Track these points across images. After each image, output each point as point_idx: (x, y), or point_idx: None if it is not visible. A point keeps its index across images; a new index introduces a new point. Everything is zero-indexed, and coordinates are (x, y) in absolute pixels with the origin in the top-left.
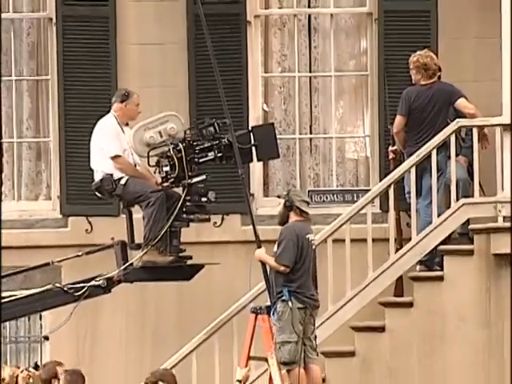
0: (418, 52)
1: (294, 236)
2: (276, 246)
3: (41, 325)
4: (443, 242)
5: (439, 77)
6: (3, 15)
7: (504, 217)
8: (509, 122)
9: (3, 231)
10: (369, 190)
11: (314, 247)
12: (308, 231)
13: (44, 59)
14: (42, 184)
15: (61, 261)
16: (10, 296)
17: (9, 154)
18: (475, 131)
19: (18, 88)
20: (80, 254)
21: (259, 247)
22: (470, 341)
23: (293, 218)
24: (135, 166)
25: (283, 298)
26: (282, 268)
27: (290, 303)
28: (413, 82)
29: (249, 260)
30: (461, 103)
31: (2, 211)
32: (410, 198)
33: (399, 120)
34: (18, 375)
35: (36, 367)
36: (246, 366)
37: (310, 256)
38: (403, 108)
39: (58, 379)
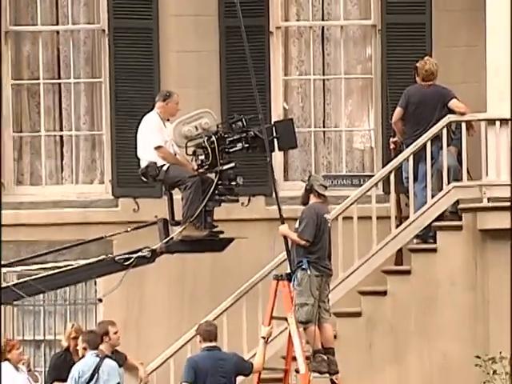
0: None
1: (314, 215)
2: (298, 223)
3: (95, 289)
4: (436, 219)
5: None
6: (64, 27)
7: (488, 198)
8: (493, 117)
9: (64, 210)
10: (373, 175)
11: (329, 225)
12: (325, 211)
13: (98, 64)
14: (96, 170)
15: (112, 235)
16: (69, 265)
17: (68, 145)
18: (464, 125)
19: (75, 89)
20: (128, 229)
21: (283, 223)
22: (459, 302)
23: (312, 199)
24: (175, 155)
25: (303, 267)
26: (303, 242)
27: (308, 271)
28: None
29: (272, 235)
30: (453, 104)
31: (63, 193)
32: (408, 182)
33: (398, 111)
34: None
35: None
36: (270, 325)
37: (326, 232)
38: (402, 101)
39: (109, 337)
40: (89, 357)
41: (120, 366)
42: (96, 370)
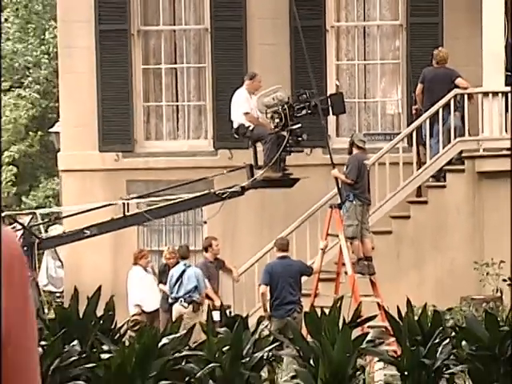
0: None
1: (356, 161)
2: (345, 167)
3: (202, 214)
4: (446, 164)
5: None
6: (177, 27)
7: (483, 149)
8: (487, 90)
9: (179, 158)
10: (400, 133)
11: (368, 169)
12: (365, 158)
13: (203, 54)
14: (201, 129)
15: (213, 176)
16: (182, 197)
17: (182, 112)
18: (466, 97)
19: (187, 72)
20: (225, 172)
21: (334, 168)
22: (462, 224)
23: (355, 151)
24: (258, 118)
25: (350, 198)
26: (350, 181)
27: (354, 202)
28: None
29: (327, 176)
30: (458, 81)
31: (178, 146)
32: (425, 137)
33: (419, 87)
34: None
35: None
36: (326, 239)
37: (366, 174)
38: (421, 79)
39: (212, 248)
40: (179, 265)
41: (220, 268)
42: (181, 275)
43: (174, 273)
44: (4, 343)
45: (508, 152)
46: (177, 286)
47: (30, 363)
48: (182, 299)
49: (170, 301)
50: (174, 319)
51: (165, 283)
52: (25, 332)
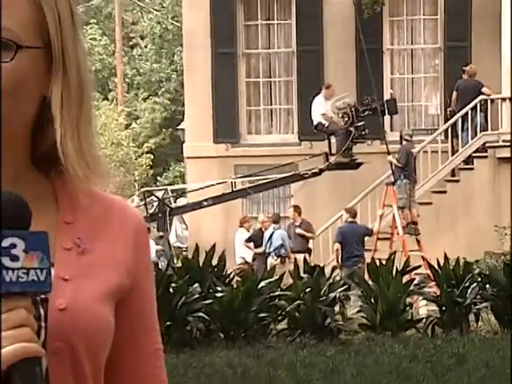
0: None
1: (405, 150)
2: (397, 154)
3: (289, 190)
4: (474, 152)
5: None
6: (272, 50)
7: (502, 140)
8: (505, 96)
9: (273, 148)
10: (439, 129)
11: (414, 155)
12: (412, 148)
13: (290, 70)
14: (289, 126)
15: (298, 161)
16: (275, 177)
17: (275, 113)
18: (489, 102)
19: (278, 84)
20: (306, 158)
21: (389, 155)
22: (485, 197)
23: (404, 142)
24: (332, 118)
25: (401, 178)
26: (400, 165)
27: (403, 180)
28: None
29: (384, 161)
30: (484, 90)
31: (272, 139)
32: (458, 132)
33: (454, 94)
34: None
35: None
36: (383, 209)
37: (412, 159)
38: (455, 88)
39: (289, 214)
40: (270, 228)
41: (305, 228)
42: (271, 235)
43: (267, 234)
44: (133, 289)
45: None
46: (268, 244)
47: (150, 304)
48: (273, 253)
49: (260, 251)
50: (268, 269)
51: (254, 243)
52: (147, 281)
